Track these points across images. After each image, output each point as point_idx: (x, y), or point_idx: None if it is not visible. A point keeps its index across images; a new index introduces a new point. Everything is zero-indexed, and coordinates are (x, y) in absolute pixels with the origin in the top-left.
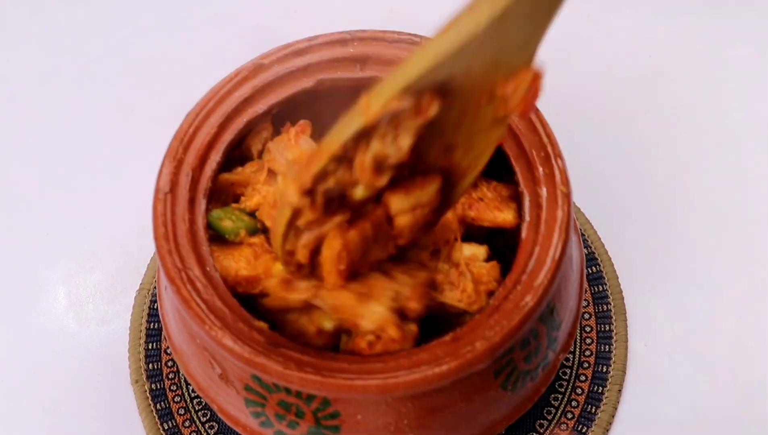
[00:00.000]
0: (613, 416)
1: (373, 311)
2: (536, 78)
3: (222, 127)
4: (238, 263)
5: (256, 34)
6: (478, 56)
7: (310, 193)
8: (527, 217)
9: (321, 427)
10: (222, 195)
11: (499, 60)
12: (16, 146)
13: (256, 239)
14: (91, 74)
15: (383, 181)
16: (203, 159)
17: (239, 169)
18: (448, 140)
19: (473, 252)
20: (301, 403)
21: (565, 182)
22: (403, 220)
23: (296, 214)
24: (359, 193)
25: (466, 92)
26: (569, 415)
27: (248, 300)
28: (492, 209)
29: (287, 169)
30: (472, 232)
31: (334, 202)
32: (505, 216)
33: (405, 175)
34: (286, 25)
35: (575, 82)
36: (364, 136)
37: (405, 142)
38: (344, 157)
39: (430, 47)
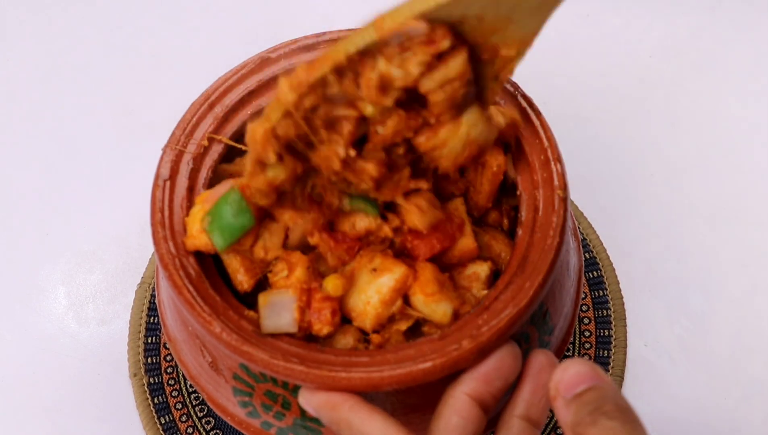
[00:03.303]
0: None
1: None
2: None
3: (225, 118)
4: None
5: (260, 33)
6: (494, 3)
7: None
8: (523, 220)
9: (306, 419)
10: None
11: (512, 16)
12: (16, 146)
13: None
14: (91, 74)
15: (388, 101)
16: (205, 148)
17: (239, 160)
18: None
19: (475, 270)
20: (287, 394)
21: (563, 186)
22: (437, 96)
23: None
24: (368, 110)
25: (472, 40)
26: None
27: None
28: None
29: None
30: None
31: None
32: None
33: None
34: (292, 23)
35: (575, 82)
36: (371, 52)
37: (414, 69)
38: (348, 69)
39: None
